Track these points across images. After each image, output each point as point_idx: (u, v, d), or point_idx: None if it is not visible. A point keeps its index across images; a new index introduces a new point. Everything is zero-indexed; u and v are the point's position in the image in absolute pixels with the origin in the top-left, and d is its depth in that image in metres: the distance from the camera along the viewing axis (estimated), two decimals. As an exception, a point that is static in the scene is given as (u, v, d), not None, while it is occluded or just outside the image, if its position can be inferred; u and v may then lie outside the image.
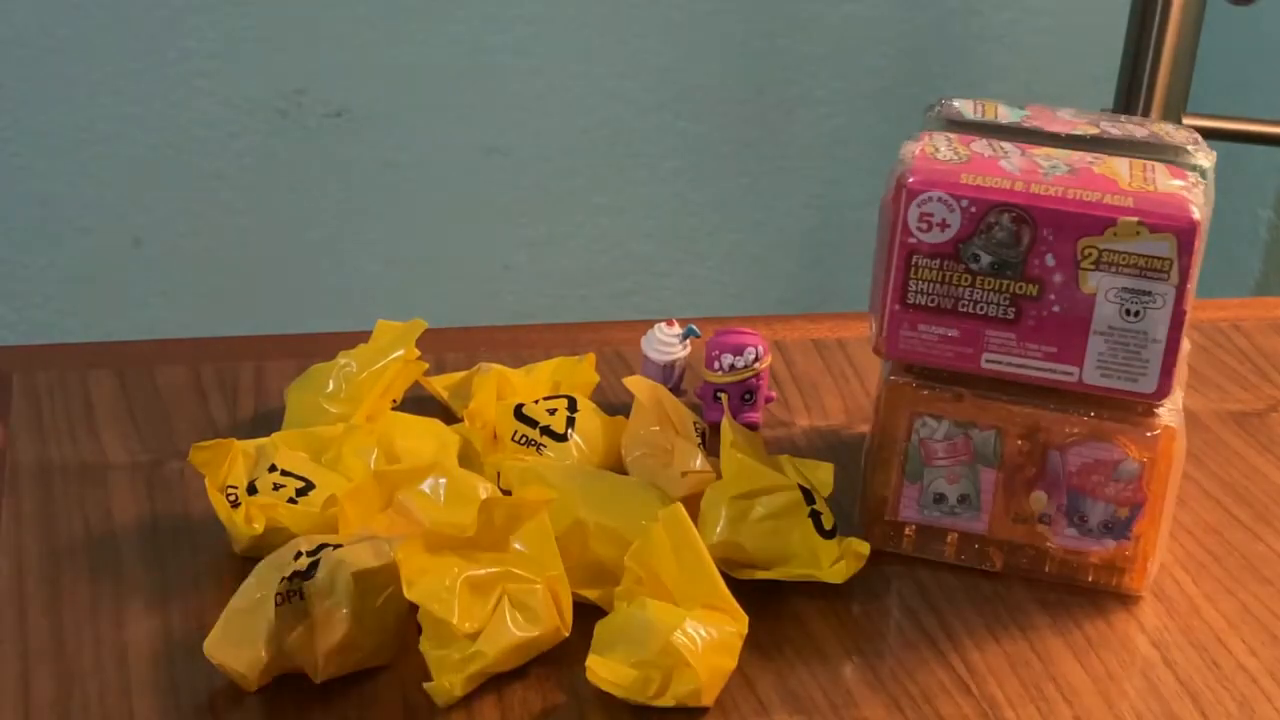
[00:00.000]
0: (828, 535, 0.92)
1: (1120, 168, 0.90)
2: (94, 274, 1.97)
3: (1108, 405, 0.91)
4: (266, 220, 1.99)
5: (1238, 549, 0.99)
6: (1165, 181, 0.89)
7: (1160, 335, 0.88)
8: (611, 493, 0.92)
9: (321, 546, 0.85)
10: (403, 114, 1.97)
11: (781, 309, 2.15)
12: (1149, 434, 0.90)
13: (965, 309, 0.90)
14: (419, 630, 0.83)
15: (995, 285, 0.89)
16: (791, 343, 1.17)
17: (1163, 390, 0.89)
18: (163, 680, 0.84)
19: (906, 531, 0.96)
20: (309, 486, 0.92)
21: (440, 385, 1.06)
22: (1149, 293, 0.87)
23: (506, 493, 0.92)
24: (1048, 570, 0.95)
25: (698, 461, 0.95)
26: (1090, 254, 0.87)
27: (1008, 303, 0.89)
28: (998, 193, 0.88)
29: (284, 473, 0.93)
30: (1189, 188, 0.89)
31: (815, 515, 0.92)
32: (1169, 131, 0.95)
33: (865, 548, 0.92)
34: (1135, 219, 0.86)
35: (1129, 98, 1.75)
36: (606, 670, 0.82)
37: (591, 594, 0.88)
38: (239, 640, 0.82)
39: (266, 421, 1.04)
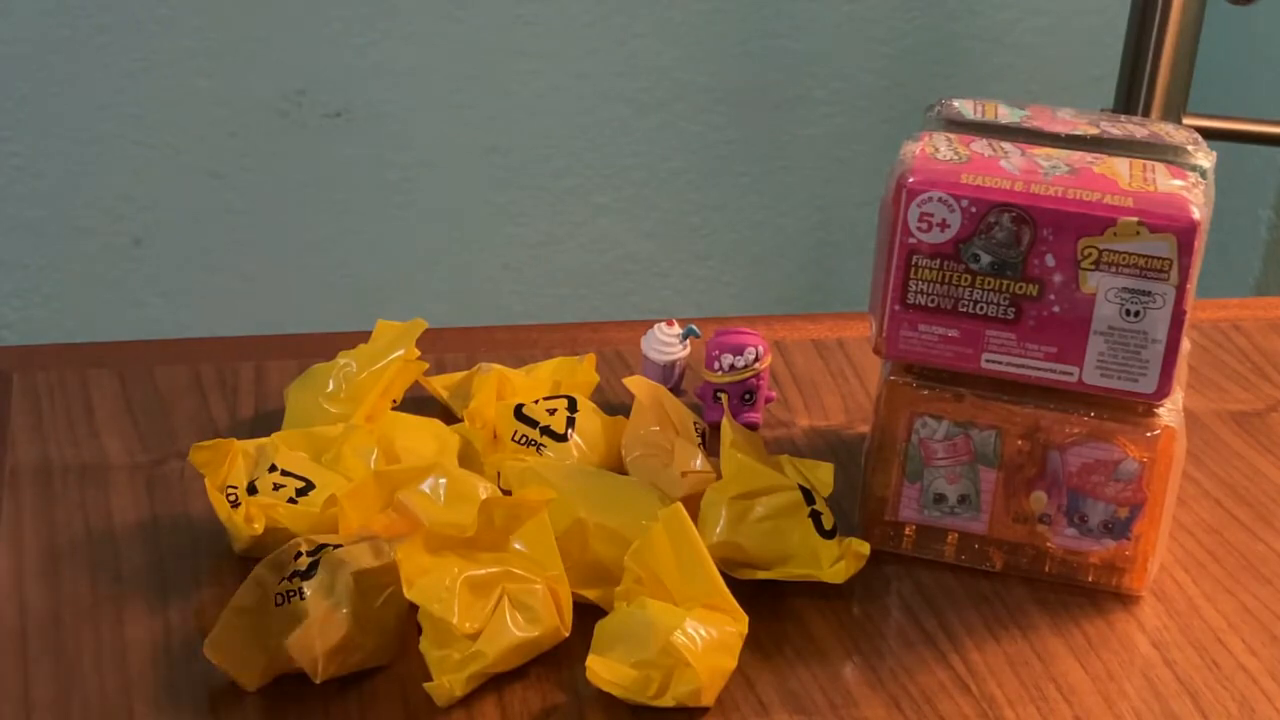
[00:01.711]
0: (828, 535, 0.92)
1: (1120, 168, 0.90)
2: (94, 274, 1.96)
3: (1108, 405, 0.91)
4: (266, 220, 1.99)
5: (1238, 549, 0.99)
6: (1165, 181, 0.89)
7: (1160, 335, 0.88)
8: (611, 493, 0.92)
9: (321, 546, 0.85)
10: (402, 114, 1.97)
11: (781, 309, 2.15)
12: (1149, 434, 0.90)
13: (965, 309, 0.90)
14: (419, 630, 0.84)
15: (995, 285, 0.89)
16: (791, 343, 1.17)
17: (1163, 390, 0.89)
18: (163, 680, 0.84)
19: (906, 531, 0.96)
20: (309, 486, 0.92)
21: (440, 385, 1.06)
22: (1149, 293, 0.87)
23: (506, 493, 0.92)
24: (1048, 570, 0.95)
25: (698, 461, 0.96)
26: (1090, 254, 0.87)
27: (1008, 303, 0.89)
28: (998, 193, 0.88)
29: (284, 473, 0.93)
30: (1189, 188, 0.89)
31: (815, 515, 0.92)
32: (1169, 131, 0.95)
33: (865, 548, 0.92)
34: (1135, 219, 0.86)
35: (1129, 98, 1.75)
36: (606, 670, 0.82)
37: (591, 594, 0.88)
38: (239, 640, 0.82)
39: (266, 421, 1.04)
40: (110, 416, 1.05)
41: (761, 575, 0.91)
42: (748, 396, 1.05)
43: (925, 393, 0.93)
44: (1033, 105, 0.97)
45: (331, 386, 1.00)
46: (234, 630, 0.83)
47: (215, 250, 1.99)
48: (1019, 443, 0.92)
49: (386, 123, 1.97)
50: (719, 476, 0.93)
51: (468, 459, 0.97)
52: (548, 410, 0.99)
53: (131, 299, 1.99)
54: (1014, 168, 0.89)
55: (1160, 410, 0.91)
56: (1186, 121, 1.71)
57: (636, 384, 0.99)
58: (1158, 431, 0.91)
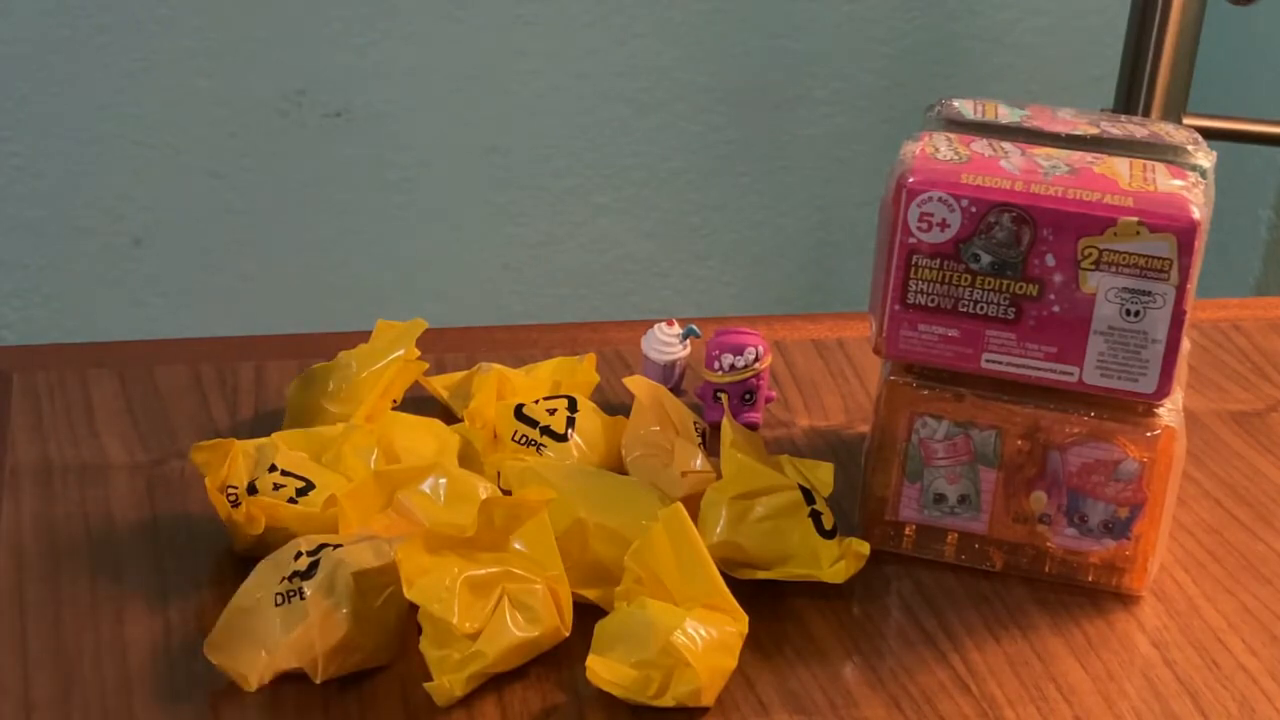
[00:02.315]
0: (828, 535, 0.92)
1: (1120, 168, 0.90)
2: (94, 274, 1.97)
3: (1108, 405, 0.91)
4: (266, 220, 1.99)
5: (1237, 549, 0.99)
6: (1165, 181, 0.89)
7: (1160, 335, 0.88)
8: (611, 493, 0.92)
9: (321, 546, 0.85)
10: (403, 114, 1.97)
11: (781, 309, 2.15)
12: (1149, 434, 0.91)
13: (965, 309, 0.90)
14: (419, 630, 0.84)
15: (995, 285, 0.89)
16: (791, 343, 1.17)
17: (1163, 390, 0.89)
18: (163, 680, 0.84)
19: (906, 531, 0.96)
20: (309, 486, 0.92)
21: (440, 385, 1.06)
22: (1149, 293, 0.87)
23: (506, 493, 0.92)
24: (1048, 570, 0.95)
25: (698, 461, 0.96)
26: (1090, 254, 0.87)
27: (1008, 303, 0.89)
28: (998, 193, 0.88)
29: (284, 473, 0.93)
30: (1189, 188, 0.89)
31: (815, 515, 0.92)
32: (1169, 131, 0.95)
33: (865, 548, 0.92)
34: (1135, 219, 0.86)
35: (1129, 98, 1.75)
36: (607, 670, 0.82)
37: (591, 594, 0.88)
38: (239, 640, 0.82)
39: (266, 421, 1.04)
40: (110, 416, 1.05)
41: (761, 575, 0.91)
42: (748, 396, 1.05)
43: (925, 393, 0.93)
44: (1033, 105, 0.97)
45: (331, 386, 1.00)
46: (234, 630, 0.83)
47: (215, 250, 1.99)
48: (1019, 443, 0.92)
49: (386, 123, 1.97)
50: (719, 476, 0.93)
51: (468, 459, 0.97)
52: (548, 410, 0.99)
53: (131, 299, 1.99)
54: (1014, 168, 0.89)
55: (1160, 410, 0.91)
56: (1186, 121, 1.71)
57: (636, 384, 0.99)
58: (1158, 431, 0.91)
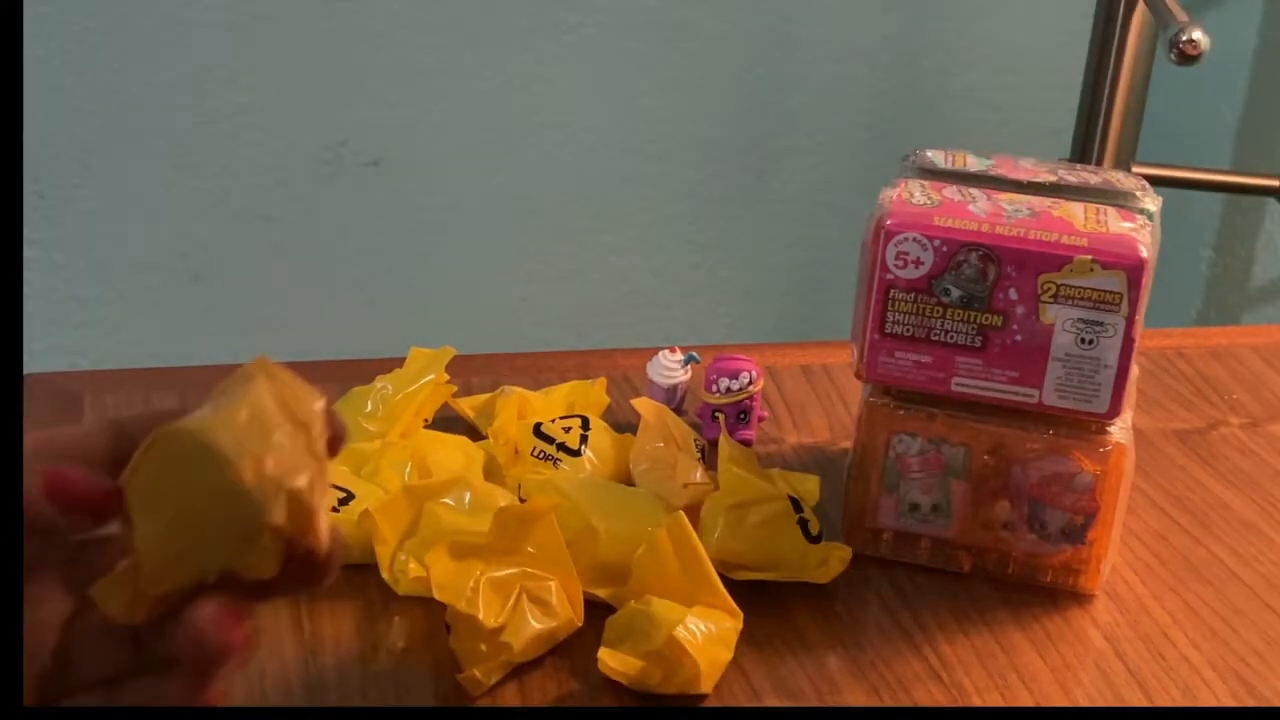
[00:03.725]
0: (814, 540, 0.92)
1: (1076, 211, 0.90)
2: (158, 306, 1.97)
3: (1065, 424, 0.91)
4: (312, 258, 1.99)
5: (1181, 553, 0.99)
6: (1116, 224, 0.89)
7: (1112, 361, 0.88)
8: (620, 502, 0.92)
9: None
10: (434, 163, 1.97)
11: (773, 337, 2.15)
12: (1102, 450, 0.90)
13: (937, 338, 0.90)
14: (448, 629, 0.83)
15: (964, 316, 0.89)
16: (782, 368, 1.16)
17: (1114, 410, 0.89)
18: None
19: (884, 537, 0.95)
20: (349, 497, 0.92)
21: (467, 406, 1.06)
22: (1101, 323, 0.87)
23: (524, 502, 0.92)
24: (1011, 571, 0.94)
25: (698, 474, 0.95)
26: (1049, 288, 0.87)
27: (975, 332, 0.89)
28: (966, 234, 0.88)
29: (327, 484, 0.92)
30: (1138, 229, 0.89)
31: (803, 523, 0.92)
32: (1119, 179, 0.95)
33: (847, 551, 0.91)
34: (1089, 257, 0.86)
35: (1084, 148, 1.75)
36: (616, 661, 0.82)
37: (603, 593, 0.88)
38: None
39: (311, 438, 1.04)
40: (172, 434, 1.04)
41: (755, 576, 0.91)
42: (742, 416, 1.05)
43: (901, 413, 0.93)
44: (997, 155, 0.98)
45: (369, 407, 1.00)
46: None
47: (266, 285, 1.99)
48: (985, 457, 0.92)
49: (419, 171, 1.97)
50: (717, 488, 0.93)
51: (492, 473, 0.97)
52: (563, 428, 0.99)
53: (191, 329, 1.99)
54: (981, 211, 0.89)
55: (1112, 428, 0.91)
56: (1135, 170, 1.71)
57: (643, 405, 0.99)
58: (1110, 447, 0.90)
